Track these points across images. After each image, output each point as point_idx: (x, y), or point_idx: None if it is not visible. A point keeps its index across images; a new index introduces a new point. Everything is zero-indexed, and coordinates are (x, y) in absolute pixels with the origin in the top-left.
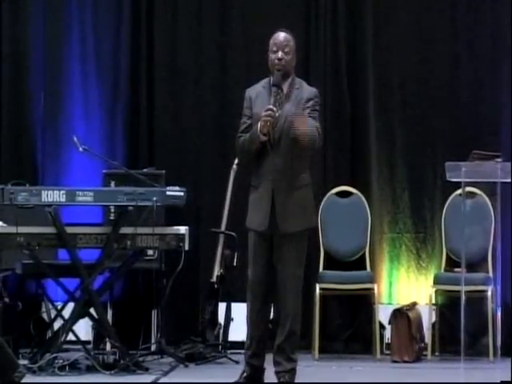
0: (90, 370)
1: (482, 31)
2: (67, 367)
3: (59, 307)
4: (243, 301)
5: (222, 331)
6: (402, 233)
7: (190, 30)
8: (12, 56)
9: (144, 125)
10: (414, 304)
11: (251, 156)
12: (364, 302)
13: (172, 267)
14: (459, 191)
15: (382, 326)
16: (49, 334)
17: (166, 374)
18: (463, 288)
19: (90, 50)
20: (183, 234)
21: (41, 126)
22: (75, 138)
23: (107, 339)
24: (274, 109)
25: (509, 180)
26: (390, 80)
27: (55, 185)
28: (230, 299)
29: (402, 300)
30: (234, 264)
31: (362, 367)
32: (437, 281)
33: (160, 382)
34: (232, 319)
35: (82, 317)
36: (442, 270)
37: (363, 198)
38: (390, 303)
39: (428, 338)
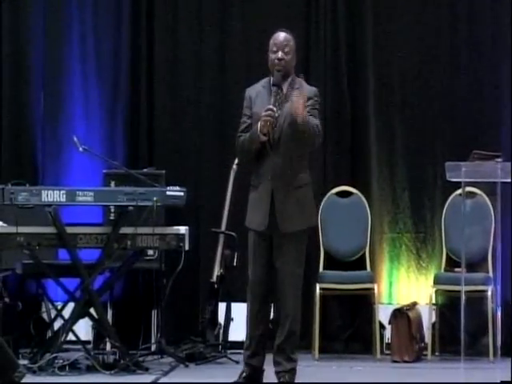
0: (90, 369)
1: (482, 31)
2: (67, 367)
3: (59, 307)
4: (243, 301)
5: (222, 331)
6: (402, 233)
7: (190, 30)
8: (12, 56)
9: (144, 125)
10: (414, 304)
11: (251, 156)
12: (364, 302)
13: (172, 267)
14: (459, 191)
15: (382, 326)
16: (49, 333)
17: (166, 373)
18: (463, 288)
19: (90, 50)
20: (183, 234)
21: (41, 126)
22: (75, 138)
23: (107, 339)
24: (274, 109)
25: (509, 180)
26: (390, 80)
27: (55, 185)
28: (230, 299)
29: (402, 300)
30: (234, 264)
31: (362, 367)
32: (437, 281)
33: (160, 381)
34: (232, 319)
35: (82, 317)
36: (442, 270)
37: (363, 198)
38: (390, 303)
39: (428, 338)
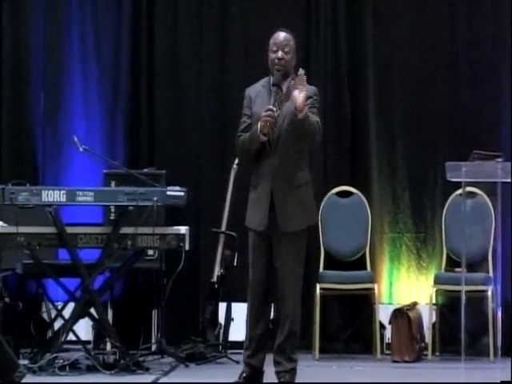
0: (91, 369)
1: (482, 31)
2: (67, 367)
3: (59, 307)
4: (244, 301)
5: (222, 331)
6: (402, 233)
7: (190, 30)
8: (12, 56)
9: (144, 125)
10: (415, 304)
11: (250, 155)
12: (364, 302)
13: (172, 267)
14: (459, 191)
15: (382, 326)
16: (49, 333)
17: (166, 373)
18: (463, 288)
19: (90, 50)
20: (183, 234)
21: (41, 126)
22: (75, 138)
23: (107, 339)
24: (274, 109)
25: (509, 180)
26: (391, 80)
27: (55, 185)
28: (230, 299)
29: (402, 300)
30: (235, 264)
31: (363, 367)
32: (437, 281)
33: (160, 381)
34: (232, 319)
35: (83, 317)
36: (443, 270)
37: (363, 198)
38: (390, 303)
39: (428, 338)
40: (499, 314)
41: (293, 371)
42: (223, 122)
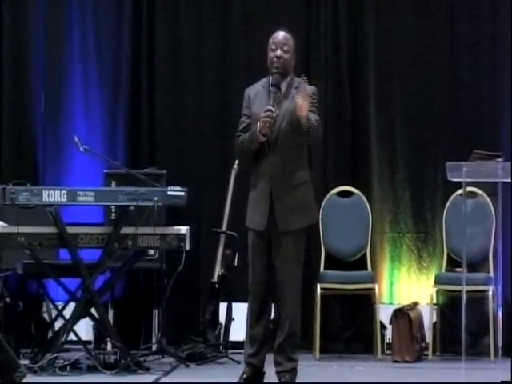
0: (91, 369)
1: (482, 31)
2: (68, 367)
3: (60, 307)
4: (244, 301)
5: (222, 331)
6: (403, 233)
7: (190, 30)
8: (12, 56)
9: (145, 125)
10: (415, 304)
11: (249, 155)
12: (365, 302)
13: (173, 267)
14: (460, 191)
15: (382, 326)
16: (50, 333)
17: (166, 373)
18: (464, 288)
19: (90, 50)
20: (184, 234)
21: (42, 126)
22: (76, 138)
23: (108, 339)
24: (273, 109)
25: (509, 180)
26: (391, 80)
27: (56, 185)
28: (230, 299)
29: (402, 300)
30: (235, 264)
31: (363, 367)
32: (438, 281)
33: (161, 381)
34: (233, 319)
35: (83, 317)
36: (443, 270)
37: (364, 198)
38: (390, 303)
39: (429, 338)
40: (500, 314)
41: (293, 371)
42: (223, 122)
